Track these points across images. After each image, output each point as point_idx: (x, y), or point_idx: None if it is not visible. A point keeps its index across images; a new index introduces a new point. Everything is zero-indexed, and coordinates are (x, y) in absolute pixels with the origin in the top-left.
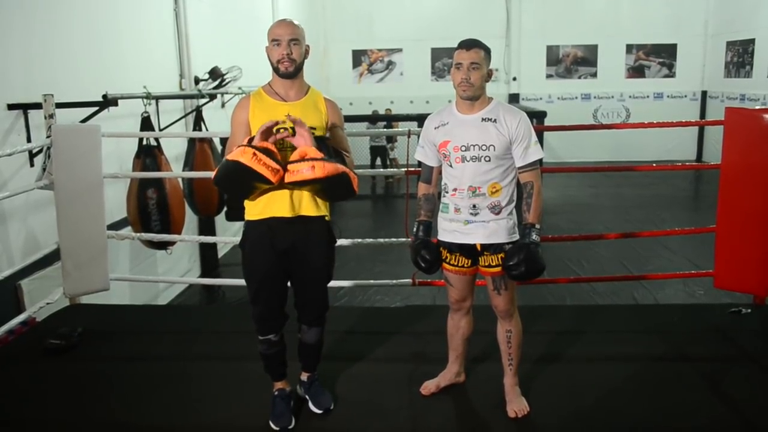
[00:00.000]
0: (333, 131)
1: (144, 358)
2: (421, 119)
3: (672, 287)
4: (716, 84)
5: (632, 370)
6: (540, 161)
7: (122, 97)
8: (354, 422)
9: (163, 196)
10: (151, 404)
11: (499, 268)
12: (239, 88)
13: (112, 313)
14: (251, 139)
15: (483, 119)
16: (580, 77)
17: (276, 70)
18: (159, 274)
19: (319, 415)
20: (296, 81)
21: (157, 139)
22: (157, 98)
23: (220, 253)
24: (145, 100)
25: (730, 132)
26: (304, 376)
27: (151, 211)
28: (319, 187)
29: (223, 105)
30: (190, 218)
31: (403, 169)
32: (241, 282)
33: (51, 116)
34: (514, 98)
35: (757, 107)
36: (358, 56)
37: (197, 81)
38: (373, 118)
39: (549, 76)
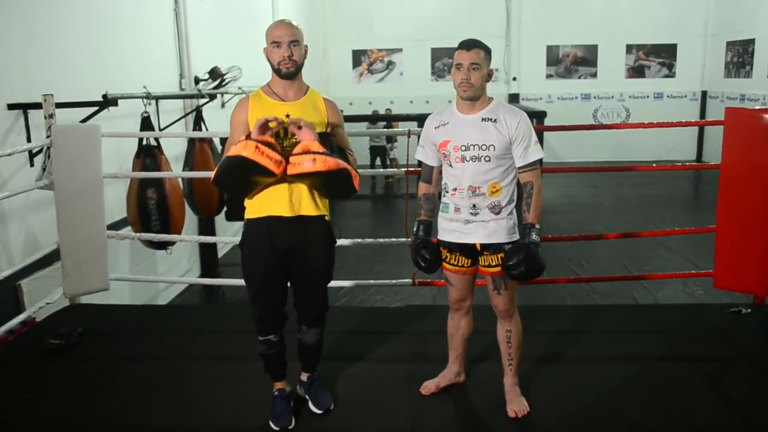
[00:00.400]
0: (334, 131)
1: (144, 358)
2: (421, 119)
3: (672, 287)
4: (716, 84)
5: (632, 370)
6: (540, 161)
7: (122, 97)
8: (354, 422)
9: (163, 196)
10: (151, 404)
11: (499, 268)
12: (239, 88)
13: (112, 313)
14: (248, 136)
15: (483, 119)
16: (580, 77)
17: (277, 71)
18: (159, 274)
19: (318, 415)
20: (295, 81)
21: (157, 139)
22: (157, 98)
23: (220, 253)
24: (145, 100)
25: (730, 132)
26: (304, 376)
27: (151, 211)
28: (320, 181)
29: (223, 105)
30: (190, 218)
31: (403, 169)
32: (241, 282)
33: (51, 116)
34: (514, 98)
35: (757, 107)
36: (358, 56)
37: (197, 81)
38: (373, 118)
39: (549, 76)
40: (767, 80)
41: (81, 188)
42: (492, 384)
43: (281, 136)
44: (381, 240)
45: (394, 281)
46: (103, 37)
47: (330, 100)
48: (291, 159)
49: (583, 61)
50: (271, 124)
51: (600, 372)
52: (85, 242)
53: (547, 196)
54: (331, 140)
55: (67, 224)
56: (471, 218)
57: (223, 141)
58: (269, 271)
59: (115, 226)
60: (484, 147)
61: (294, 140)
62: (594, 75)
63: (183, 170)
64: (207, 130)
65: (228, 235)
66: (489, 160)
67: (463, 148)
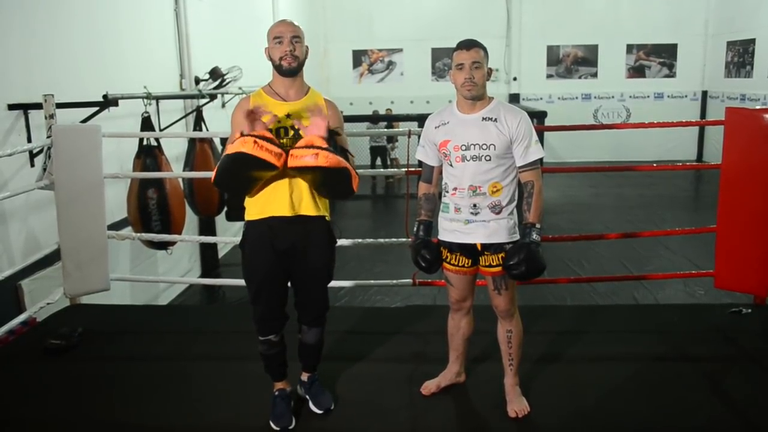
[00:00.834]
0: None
1: (144, 358)
2: (421, 119)
3: (672, 287)
4: (717, 84)
5: (632, 370)
6: (541, 161)
7: (123, 98)
8: (354, 422)
9: (163, 196)
10: (151, 404)
11: (499, 268)
12: (239, 88)
13: (113, 314)
14: (242, 132)
15: (484, 118)
16: (580, 77)
17: (278, 67)
18: (159, 274)
19: (319, 415)
20: (296, 81)
21: (157, 139)
22: (158, 98)
23: (221, 253)
24: (145, 100)
25: (730, 132)
26: (304, 376)
27: (152, 211)
28: (320, 177)
29: (223, 105)
30: (191, 218)
31: (403, 169)
32: (242, 282)
33: (51, 116)
34: (514, 98)
35: (758, 107)
36: (358, 56)
37: (197, 81)
38: (373, 118)
39: (549, 76)
40: (767, 80)
41: (81, 188)
42: (492, 384)
43: (281, 135)
44: (381, 240)
45: (394, 281)
46: (103, 37)
47: (331, 101)
48: (292, 152)
49: (584, 61)
50: (264, 118)
51: (600, 372)
52: (85, 242)
53: (548, 196)
54: (335, 138)
55: (68, 224)
56: (471, 218)
57: (224, 141)
58: (270, 271)
59: (116, 226)
60: (484, 146)
61: (293, 138)
62: (594, 75)
63: (183, 170)
64: (207, 130)
65: (228, 235)
66: (489, 160)
67: (464, 147)
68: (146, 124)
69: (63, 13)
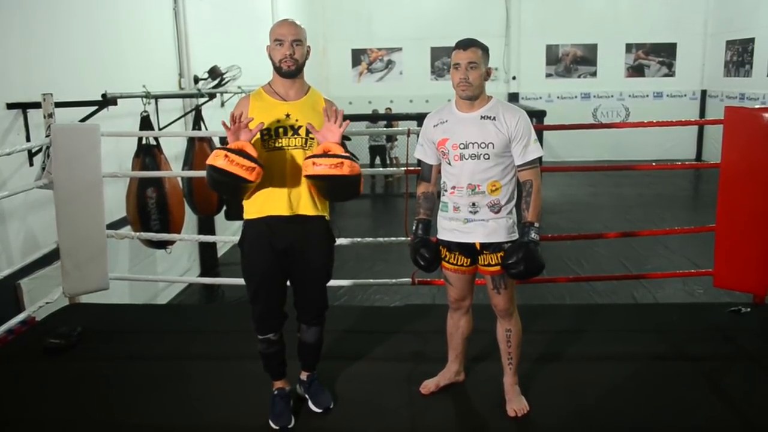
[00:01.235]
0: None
1: (143, 357)
2: (420, 118)
3: (671, 286)
4: (716, 83)
5: (632, 369)
6: (539, 160)
7: (121, 96)
8: (353, 421)
9: (162, 195)
10: (150, 403)
11: (498, 267)
12: (238, 87)
13: (112, 313)
14: (224, 141)
15: (482, 117)
16: (579, 76)
17: (278, 69)
18: (158, 273)
19: (318, 414)
20: (297, 81)
21: (156, 139)
22: (157, 97)
23: (220, 253)
24: (144, 100)
25: (729, 131)
26: (303, 376)
27: (151, 210)
28: (336, 185)
29: (222, 104)
30: (190, 217)
31: (402, 168)
32: (241, 281)
33: (50, 115)
34: (513, 97)
35: (757, 106)
36: (357, 55)
37: (196, 80)
38: (372, 117)
39: (548, 75)
40: (767, 79)
41: (80, 187)
42: (492, 383)
43: (280, 136)
44: (380, 239)
45: (393, 280)
46: (102, 37)
47: (330, 101)
48: (310, 159)
49: (583, 60)
50: (250, 125)
51: (599, 371)
52: (84, 241)
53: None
54: (345, 143)
55: (67, 223)
56: (470, 217)
57: (222, 140)
58: (268, 269)
59: (115, 225)
60: (483, 145)
61: (298, 139)
62: (594, 74)
63: (182, 169)
64: (206, 129)
65: (227, 234)
66: (488, 158)
67: (462, 146)
68: (145, 123)
69: (62, 12)
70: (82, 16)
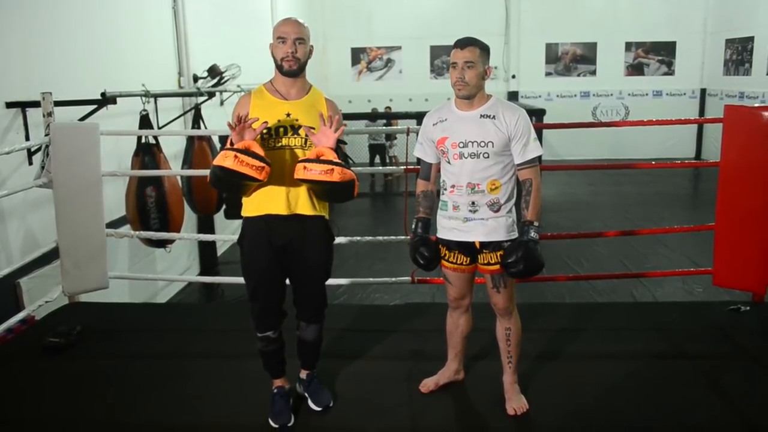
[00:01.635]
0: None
1: (143, 356)
2: (420, 117)
3: (671, 285)
4: (715, 82)
5: (631, 367)
6: (539, 158)
7: (121, 95)
8: (353, 420)
9: (161, 194)
10: (150, 402)
11: (497, 266)
12: (238, 85)
13: (111, 312)
14: (231, 141)
15: (482, 116)
16: (579, 75)
17: (280, 67)
18: (158, 272)
19: (318, 413)
20: (298, 80)
21: (155, 137)
22: (156, 96)
23: (219, 251)
24: (143, 98)
25: (729, 130)
26: (303, 374)
27: (150, 209)
28: (328, 189)
29: (221, 103)
30: (189, 216)
31: (402, 167)
32: (240, 280)
33: (49, 114)
34: (513, 96)
35: (756, 105)
36: (356, 54)
37: (196, 79)
38: (372, 116)
39: (548, 73)
40: (766, 78)
41: (80, 186)
42: (491, 382)
43: (280, 135)
44: (380, 238)
45: (393, 279)
46: (101, 35)
47: (331, 100)
48: (302, 164)
49: (583, 58)
50: (254, 125)
51: (599, 369)
52: (84, 240)
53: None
54: (341, 147)
55: (66, 222)
56: (470, 216)
57: (222, 139)
58: (268, 267)
59: (114, 224)
60: (482, 144)
61: (298, 139)
62: (593, 73)
63: (182, 168)
64: (206, 128)
65: (227, 233)
66: (487, 157)
67: (461, 144)
68: (144, 122)
69: (61, 11)
70: (82, 15)
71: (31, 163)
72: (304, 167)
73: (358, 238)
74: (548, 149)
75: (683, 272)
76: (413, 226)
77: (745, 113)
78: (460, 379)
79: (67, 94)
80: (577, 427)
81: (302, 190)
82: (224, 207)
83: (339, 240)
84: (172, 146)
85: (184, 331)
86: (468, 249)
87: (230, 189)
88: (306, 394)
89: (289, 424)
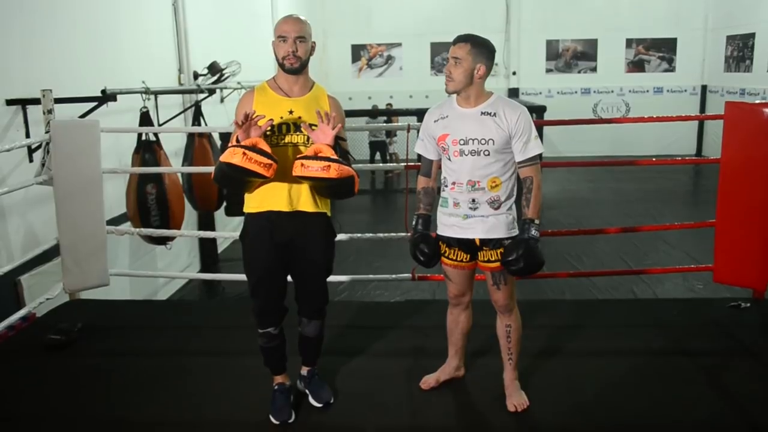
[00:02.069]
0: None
1: (144, 353)
2: (420, 114)
3: (671, 281)
4: (716, 78)
5: (631, 364)
6: (540, 156)
7: (121, 92)
8: (354, 416)
9: (162, 191)
10: (151, 399)
11: (498, 263)
12: (238, 83)
13: (112, 309)
14: (237, 138)
15: (482, 113)
16: (579, 72)
17: (281, 65)
18: (158, 269)
19: (318, 409)
20: (301, 77)
21: (156, 134)
22: (156, 93)
23: (220, 248)
24: (144, 95)
25: (730, 126)
26: (304, 371)
27: (151, 206)
28: (326, 186)
29: (222, 100)
30: (190, 213)
31: (402, 164)
32: (241, 277)
33: (50, 111)
34: (513, 93)
35: (757, 101)
36: (357, 51)
37: (196, 76)
38: (372, 113)
39: (549, 70)
40: (767, 75)
41: (80, 184)
42: (491, 378)
43: (283, 132)
44: (381, 235)
45: (393, 276)
46: (102, 32)
47: (334, 98)
48: (300, 161)
49: (583, 55)
50: (260, 122)
51: (599, 366)
52: (84, 238)
53: (547, 191)
54: (340, 144)
55: (67, 220)
56: (470, 213)
57: (222, 136)
58: (269, 263)
59: (115, 221)
60: (483, 141)
61: (300, 135)
62: (594, 69)
63: (182, 165)
64: (206, 125)
65: (228, 230)
66: (488, 155)
67: (462, 141)
68: (145, 119)
69: (61, 8)
70: (82, 12)
71: (31, 161)
72: (302, 164)
73: (359, 234)
74: (549, 146)
75: (684, 269)
76: (413, 223)
77: (746, 110)
78: (461, 376)
79: (67, 92)
80: (577, 423)
81: (304, 187)
82: (225, 204)
83: (339, 237)
84: (173, 143)
85: (185, 328)
86: (468, 246)
87: (235, 186)
88: (307, 391)
89: (290, 421)
